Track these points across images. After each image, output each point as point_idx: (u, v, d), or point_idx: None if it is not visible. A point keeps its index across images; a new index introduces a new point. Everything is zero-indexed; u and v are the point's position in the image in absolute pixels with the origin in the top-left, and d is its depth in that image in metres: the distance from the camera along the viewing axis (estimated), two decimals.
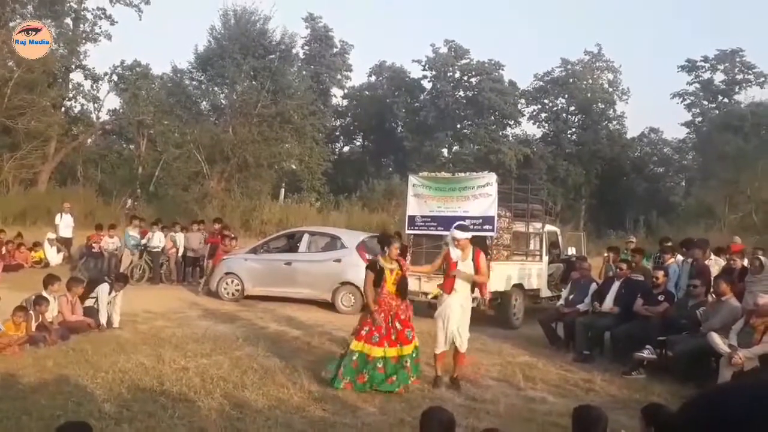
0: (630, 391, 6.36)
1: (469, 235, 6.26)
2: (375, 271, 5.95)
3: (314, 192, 33.20)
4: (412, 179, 10.63)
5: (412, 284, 10.09)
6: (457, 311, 6.11)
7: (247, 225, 23.61)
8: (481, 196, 9.88)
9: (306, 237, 11.80)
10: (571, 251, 12.82)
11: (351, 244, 11.16)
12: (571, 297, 8.78)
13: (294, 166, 32.82)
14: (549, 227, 11.99)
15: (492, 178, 9.96)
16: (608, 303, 8.19)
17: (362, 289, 6.05)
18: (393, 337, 5.86)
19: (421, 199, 10.39)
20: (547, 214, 12.00)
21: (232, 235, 13.68)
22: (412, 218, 10.44)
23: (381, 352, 5.80)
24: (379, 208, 28.90)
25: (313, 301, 11.19)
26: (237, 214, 24.12)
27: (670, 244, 9.98)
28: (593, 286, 8.70)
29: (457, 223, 6.70)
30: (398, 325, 5.89)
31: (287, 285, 11.30)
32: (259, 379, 6.03)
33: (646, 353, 6.98)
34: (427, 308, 10.96)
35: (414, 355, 6.00)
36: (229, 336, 8.12)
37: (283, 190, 33.94)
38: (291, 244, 12.42)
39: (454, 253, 6.20)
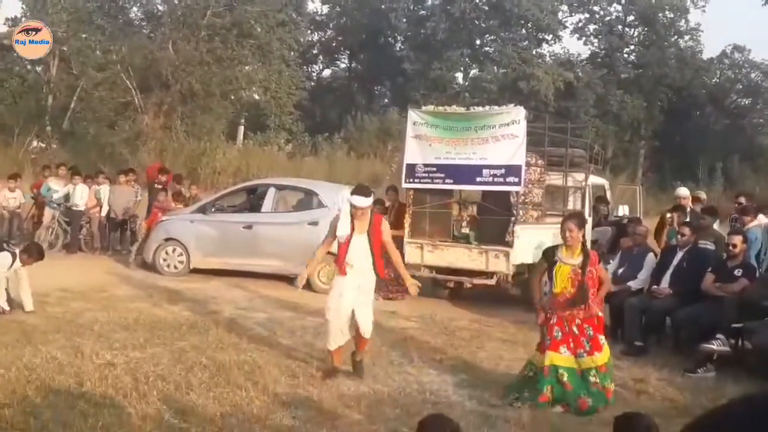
0: (694, 393, 6.45)
1: (371, 201, 6.33)
2: (549, 261, 6.01)
3: (284, 131, 33.04)
4: (414, 115, 10.57)
5: (413, 254, 10.25)
6: (351, 294, 6.30)
7: (194, 174, 23.53)
8: (504, 138, 9.84)
9: (272, 192, 11.79)
10: (623, 211, 12.88)
11: (331, 202, 11.15)
12: (620, 271, 8.86)
13: (257, 96, 32.51)
14: (595, 179, 11.95)
15: (520, 113, 9.90)
16: (665, 281, 8.26)
17: None
18: (575, 342, 5.83)
19: (424, 141, 10.35)
20: (592, 161, 11.97)
21: (179, 188, 13.80)
22: (411, 167, 10.42)
23: (563, 360, 5.82)
24: (370, 153, 28.84)
25: (282, 276, 11.25)
26: (180, 161, 24.06)
27: (743, 201, 9.94)
28: (650, 258, 8.78)
29: (356, 185, 6.66)
30: (578, 330, 5.86)
31: (247, 255, 11.35)
32: (209, 378, 6.11)
33: (717, 344, 7.06)
34: (432, 286, 11.10)
35: (607, 371, 5.93)
36: (170, 322, 8.18)
37: (242, 129, 33.75)
38: (252, 201, 12.38)
39: (344, 226, 6.28)
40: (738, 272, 7.78)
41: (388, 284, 10.58)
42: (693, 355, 7.29)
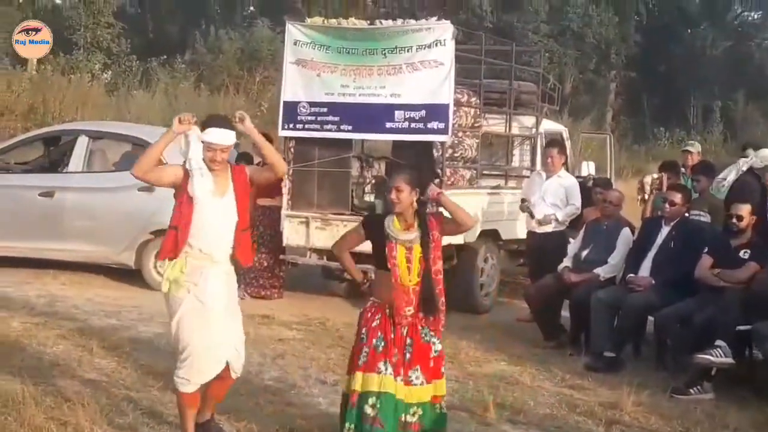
0: (686, 423, 6.66)
1: (233, 139, 5.61)
2: (372, 233, 5.48)
3: (100, 52, 32.24)
4: (294, 31, 10.54)
5: (294, 233, 10.23)
6: (220, 310, 5.52)
7: None
8: (425, 66, 9.93)
9: (83, 142, 11.54)
10: (588, 169, 13.19)
11: (173, 156, 11.02)
12: (584, 254, 9.08)
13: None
14: (549, 125, 12.25)
15: (446, 31, 9.97)
16: (645, 266, 8.48)
17: None
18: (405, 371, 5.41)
19: (310, 70, 10.36)
20: (546, 99, 12.24)
21: None
22: (292, 108, 10.43)
23: (397, 389, 5.32)
24: (229, 86, 28.50)
25: (99, 267, 11.07)
26: None
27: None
28: (625, 235, 9.02)
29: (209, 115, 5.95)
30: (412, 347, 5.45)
31: (45, 236, 11.17)
32: None
33: (716, 354, 7.24)
34: (322, 278, 11.14)
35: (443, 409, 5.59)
36: None
37: None
38: (53, 155, 12.20)
39: (201, 184, 5.59)
40: (745, 254, 7.97)
41: (258, 276, 10.56)
42: (684, 369, 7.59)
